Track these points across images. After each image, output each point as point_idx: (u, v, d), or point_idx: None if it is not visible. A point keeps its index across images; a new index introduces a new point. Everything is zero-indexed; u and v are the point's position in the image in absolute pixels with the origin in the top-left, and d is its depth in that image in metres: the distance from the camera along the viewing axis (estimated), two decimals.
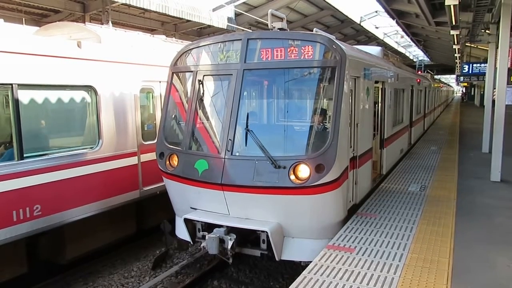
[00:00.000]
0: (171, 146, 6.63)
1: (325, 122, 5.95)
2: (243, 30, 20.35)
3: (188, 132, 6.47)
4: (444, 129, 21.04)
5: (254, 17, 22.10)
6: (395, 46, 44.38)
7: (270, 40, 6.11)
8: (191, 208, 6.41)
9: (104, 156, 7.31)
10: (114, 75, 7.53)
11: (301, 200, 5.60)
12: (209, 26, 22.02)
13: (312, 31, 6.56)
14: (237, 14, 22.43)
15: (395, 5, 20.92)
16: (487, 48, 14.25)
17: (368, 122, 7.70)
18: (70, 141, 7.11)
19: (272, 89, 6.92)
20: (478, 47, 25.42)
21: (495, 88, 10.06)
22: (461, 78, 28.75)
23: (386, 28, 36.55)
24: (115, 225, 7.95)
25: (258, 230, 5.71)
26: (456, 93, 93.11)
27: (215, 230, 5.86)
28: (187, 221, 6.22)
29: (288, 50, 5.85)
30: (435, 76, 39.16)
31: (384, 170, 9.54)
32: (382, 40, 39.06)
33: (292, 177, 5.54)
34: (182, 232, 6.55)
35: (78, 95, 7.07)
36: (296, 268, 6.82)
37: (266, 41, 6.09)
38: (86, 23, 9.42)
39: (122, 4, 16.63)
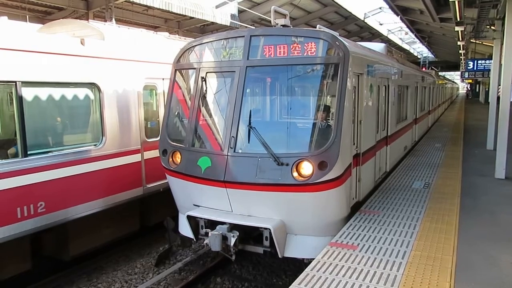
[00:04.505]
0: (174, 143, 6.63)
1: (328, 119, 5.92)
2: (246, 27, 20.31)
3: (191, 129, 6.46)
4: (449, 126, 20.95)
5: (257, 14, 22.07)
6: (399, 42, 44.19)
7: (273, 37, 6.08)
8: (194, 205, 6.42)
9: (108, 153, 7.33)
10: (117, 72, 7.54)
11: (304, 197, 5.59)
12: (212, 23, 22.04)
13: (316, 27, 6.53)
14: (240, 11, 22.41)
15: (399, 1, 20.86)
16: (492, 45, 14.16)
17: (372, 119, 7.67)
18: (74, 138, 7.13)
19: (275, 86, 6.90)
20: (483, 43, 25.28)
21: (500, 85, 10.00)
22: (466, 75, 28.58)
23: (390, 24, 36.40)
24: (119, 222, 7.98)
25: (261, 227, 5.72)
26: (460, 89, 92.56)
27: (218, 227, 5.86)
28: (190, 218, 6.23)
29: (291, 47, 5.83)
30: (440, 73, 38.90)
31: (387, 167, 9.51)
32: (386, 36, 38.90)
33: (295, 174, 5.53)
34: (185, 229, 6.57)
35: (82, 93, 7.09)
36: (299, 265, 6.83)
37: (269, 38, 6.07)
38: (89, 20, 9.43)
39: (125, 1, 16.67)
